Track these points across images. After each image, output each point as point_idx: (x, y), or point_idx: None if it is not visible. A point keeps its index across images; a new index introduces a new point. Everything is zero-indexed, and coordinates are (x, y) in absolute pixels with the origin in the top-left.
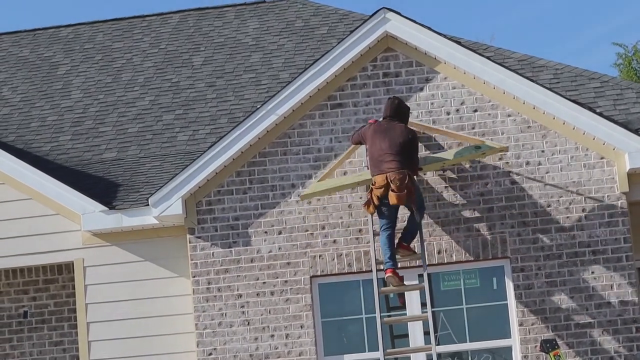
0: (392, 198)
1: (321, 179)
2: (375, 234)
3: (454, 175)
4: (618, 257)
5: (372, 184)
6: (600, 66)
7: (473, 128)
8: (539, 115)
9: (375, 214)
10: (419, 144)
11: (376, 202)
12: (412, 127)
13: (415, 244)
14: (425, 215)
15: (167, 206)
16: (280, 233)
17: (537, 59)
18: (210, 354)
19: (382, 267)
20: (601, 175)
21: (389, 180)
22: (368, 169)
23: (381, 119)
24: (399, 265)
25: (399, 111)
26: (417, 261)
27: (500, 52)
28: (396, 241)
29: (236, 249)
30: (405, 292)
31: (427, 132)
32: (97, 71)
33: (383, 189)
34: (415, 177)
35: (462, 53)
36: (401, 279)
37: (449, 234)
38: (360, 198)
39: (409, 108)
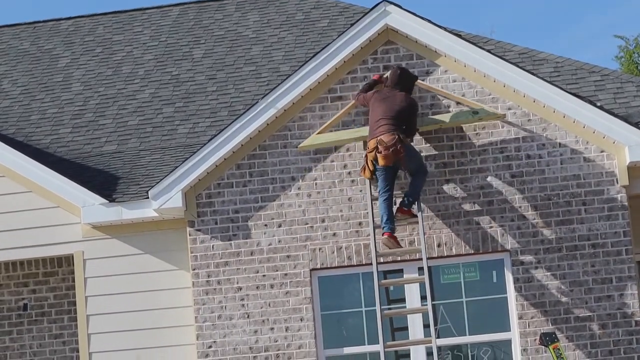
0: (380, 159)
1: (320, 131)
2: (375, 227)
3: (453, 168)
4: (618, 250)
5: (367, 149)
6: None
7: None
8: (539, 108)
9: (374, 179)
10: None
11: (370, 166)
12: (413, 97)
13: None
14: (425, 207)
15: (167, 199)
16: (280, 226)
17: (538, 52)
18: (210, 347)
19: (381, 260)
20: (601, 169)
21: (378, 144)
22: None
23: (384, 87)
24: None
25: (400, 81)
26: (417, 254)
27: (501, 46)
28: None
29: (236, 241)
30: (405, 285)
31: (430, 91)
32: (98, 64)
33: (374, 152)
34: (409, 142)
35: (462, 46)
36: (397, 242)
37: (449, 227)
38: (360, 191)
39: (414, 77)
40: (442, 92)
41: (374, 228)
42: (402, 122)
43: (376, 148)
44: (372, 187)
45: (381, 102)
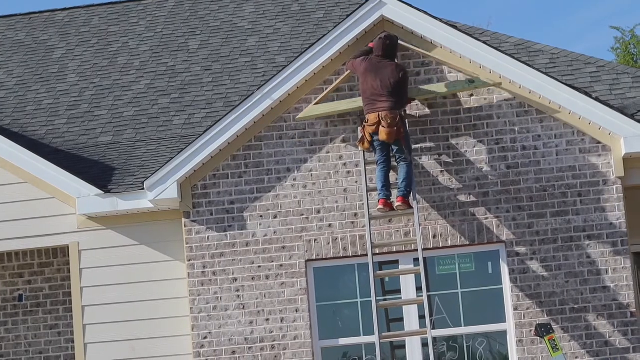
0: (382, 134)
1: (317, 102)
2: (370, 218)
3: (449, 160)
4: (613, 241)
5: (365, 122)
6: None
7: (469, 112)
8: (535, 99)
9: (371, 150)
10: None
11: (369, 138)
12: (401, 65)
13: (411, 226)
14: (420, 199)
15: (163, 190)
16: (275, 217)
17: (534, 44)
18: (205, 338)
19: (377, 251)
20: (597, 160)
21: (381, 118)
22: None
23: (373, 55)
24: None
25: (389, 51)
26: (412, 245)
27: (497, 37)
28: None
29: (231, 232)
30: (401, 276)
31: (425, 58)
32: (93, 55)
33: (375, 126)
34: (405, 117)
35: (458, 37)
36: (393, 209)
37: (445, 218)
38: (356, 182)
39: (397, 42)
40: (440, 60)
41: (370, 219)
42: (398, 96)
43: (379, 122)
44: (367, 178)
45: (374, 73)
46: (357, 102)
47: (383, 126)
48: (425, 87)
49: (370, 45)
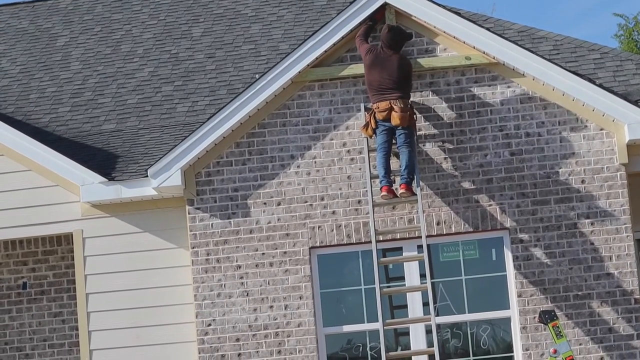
0: (395, 118)
1: (314, 65)
2: (374, 205)
3: (453, 147)
4: (617, 228)
5: (375, 108)
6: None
7: (472, 99)
8: (538, 86)
9: (374, 136)
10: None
11: (374, 125)
12: (405, 56)
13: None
14: (424, 186)
15: (166, 177)
16: (279, 204)
17: (537, 30)
18: (209, 325)
19: (380, 238)
20: (600, 147)
21: (393, 104)
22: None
23: (379, 47)
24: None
25: (394, 42)
26: (416, 232)
27: (500, 24)
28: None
29: (235, 220)
30: (405, 263)
31: (428, 45)
32: (97, 42)
33: (386, 112)
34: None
35: (461, 24)
36: (395, 195)
37: (448, 205)
38: (359, 169)
39: (406, 36)
40: (443, 47)
41: (373, 206)
42: (406, 87)
43: (391, 108)
44: (371, 165)
45: (380, 66)
46: (353, 70)
47: (396, 111)
48: (423, 60)
49: (377, 16)
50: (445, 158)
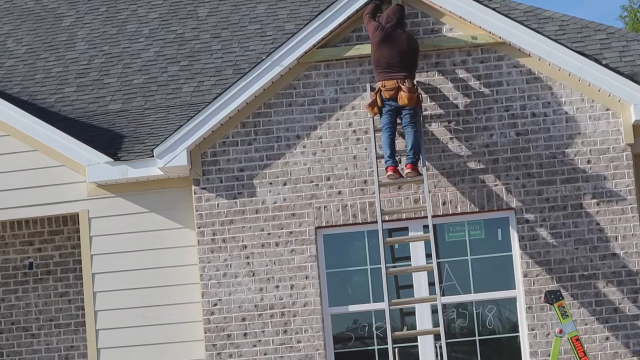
0: (403, 98)
1: (321, 45)
2: (380, 185)
3: (459, 127)
4: (623, 208)
5: (382, 87)
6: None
7: (479, 79)
8: (544, 66)
9: (378, 116)
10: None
11: (379, 103)
12: (413, 35)
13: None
14: (430, 166)
15: (172, 157)
16: (285, 184)
17: (543, 11)
18: (215, 305)
19: (386, 218)
20: (606, 127)
21: (400, 84)
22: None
23: (385, 23)
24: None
25: (402, 20)
26: (422, 212)
27: (506, 4)
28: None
29: (241, 200)
30: (410, 243)
31: (434, 25)
32: (102, 22)
33: (393, 91)
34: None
35: (467, 4)
36: (400, 175)
37: (454, 185)
38: (365, 149)
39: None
40: (450, 27)
41: (379, 186)
42: (413, 67)
43: (398, 88)
44: (376, 145)
45: (389, 43)
46: (359, 50)
47: (404, 91)
48: (429, 39)
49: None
50: (451, 138)
